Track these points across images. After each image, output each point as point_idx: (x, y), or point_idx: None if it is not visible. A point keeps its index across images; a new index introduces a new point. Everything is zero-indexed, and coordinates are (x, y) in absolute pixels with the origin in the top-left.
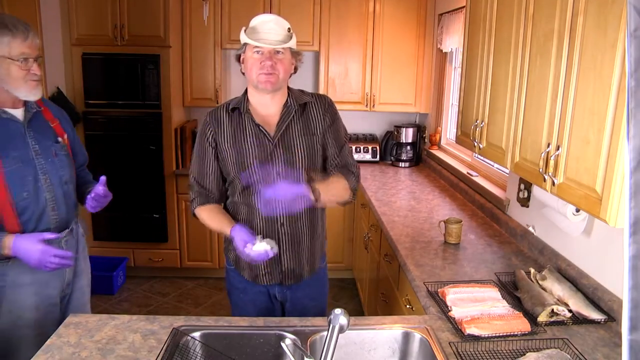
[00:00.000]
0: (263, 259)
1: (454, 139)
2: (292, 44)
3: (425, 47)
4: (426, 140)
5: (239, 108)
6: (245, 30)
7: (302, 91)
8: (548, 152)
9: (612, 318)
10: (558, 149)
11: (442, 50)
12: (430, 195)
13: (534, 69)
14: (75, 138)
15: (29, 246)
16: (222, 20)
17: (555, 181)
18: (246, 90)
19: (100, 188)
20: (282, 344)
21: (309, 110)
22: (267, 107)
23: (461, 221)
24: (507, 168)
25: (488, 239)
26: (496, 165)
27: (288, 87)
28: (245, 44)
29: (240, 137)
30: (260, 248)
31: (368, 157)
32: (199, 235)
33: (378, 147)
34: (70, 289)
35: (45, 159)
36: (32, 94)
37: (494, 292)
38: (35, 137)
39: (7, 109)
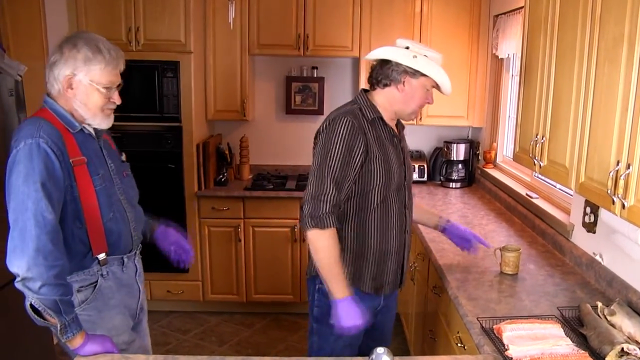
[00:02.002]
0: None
1: (511, 156)
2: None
3: (479, 53)
4: (480, 157)
5: (381, 117)
6: (417, 57)
7: None
8: (617, 170)
9: None
10: (628, 168)
11: (497, 56)
12: (485, 220)
13: (601, 77)
14: None
15: (102, 345)
16: (250, 23)
17: (626, 204)
18: (367, 97)
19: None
20: None
21: (401, 129)
22: (389, 122)
23: (519, 249)
24: (571, 189)
25: (549, 268)
26: (559, 186)
27: None
28: (422, 74)
29: (384, 145)
30: None
31: (415, 176)
32: (223, 265)
33: (426, 166)
34: (142, 314)
35: (120, 179)
36: (105, 123)
37: (556, 329)
38: (109, 155)
39: (86, 126)
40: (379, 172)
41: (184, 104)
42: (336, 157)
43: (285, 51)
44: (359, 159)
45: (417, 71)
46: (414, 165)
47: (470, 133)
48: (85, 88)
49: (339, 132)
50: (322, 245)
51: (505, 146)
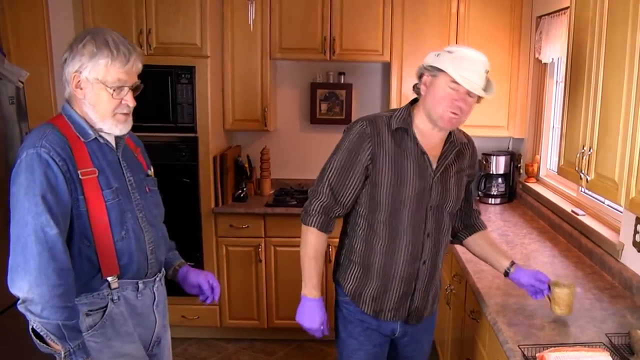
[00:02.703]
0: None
1: (556, 170)
2: (494, 92)
3: (521, 57)
4: (521, 171)
5: (407, 130)
6: (440, 54)
7: None
8: None
9: None
10: None
11: (540, 61)
12: (527, 239)
13: None
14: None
15: None
16: (272, 24)
17: None
18: (409, 107)
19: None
20: None
21: (465, 150)
22: (432, 137)
23: (573, 285)
24: (620, 205)
25: (597, 292)
26: (607, 202)
27: None
28: (441, 70)
29: (402, 159)
30: None
31: None
32: (242, 288)
33: None
34: (158, 348)
35: (141, 194)
36: (117, 129)
37: (604, 357)
38: (128, 168)
39: (103, 133)
40: (385, 185)
41: (200, 112)
42: (338, 162)
43: (310, 55)
44: (362, 166)
45: (434, 67)
46: None
47: (511, 144)
48: (93, 87)
49: (348, 137)
50: (303, 239)
51: (549, 159)
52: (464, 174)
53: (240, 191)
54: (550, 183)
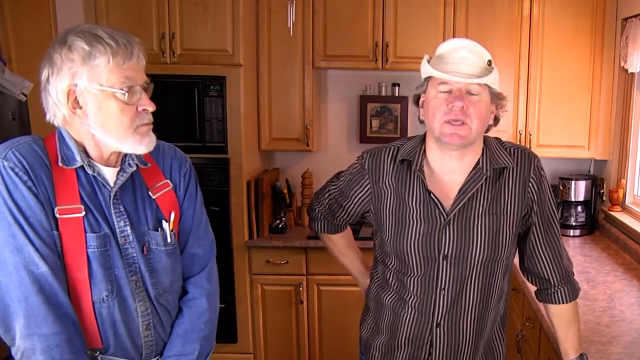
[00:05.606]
0: None
1: None
2: (492, 79)
3: (603, 66)
4: (604, 198)
5: (411, 162)
6: (428, 61)
7: (500, 143)
8: None
9: None
10: None
11: (627, 70)
12: (611, 277)
13: None
14: (189, 208)
15: None
16: (315, 28)
17: None
18: (425, 136)
19: None
20: None
21: (506, 177)
22: (451, 172)
23: None
24: None
25: None
26: None
27: (484, 138)
28: (427, 80)
29: (404, 199)
30: None
31: None
32: (281, 333)
33: None
34: None
35: (139, 252)
36: (143, 146)
37: None
38: (127, 214)
39: (97, 164)
40: (387, 230)
41: (232, 130)
42: (338, 186)
43: (359, 64)
44: (360, 204)
45: (422, 83)
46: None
47: (593, 167)
48: (97, 99)
49: (349, 170)
50: (325, 244)
51: (637, 184)
52: (508, 211)
53: (278, 221)
54: (638, 212)
